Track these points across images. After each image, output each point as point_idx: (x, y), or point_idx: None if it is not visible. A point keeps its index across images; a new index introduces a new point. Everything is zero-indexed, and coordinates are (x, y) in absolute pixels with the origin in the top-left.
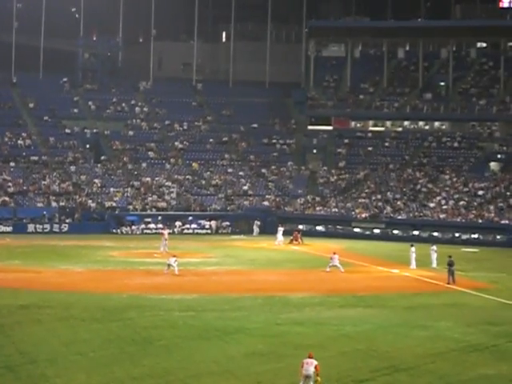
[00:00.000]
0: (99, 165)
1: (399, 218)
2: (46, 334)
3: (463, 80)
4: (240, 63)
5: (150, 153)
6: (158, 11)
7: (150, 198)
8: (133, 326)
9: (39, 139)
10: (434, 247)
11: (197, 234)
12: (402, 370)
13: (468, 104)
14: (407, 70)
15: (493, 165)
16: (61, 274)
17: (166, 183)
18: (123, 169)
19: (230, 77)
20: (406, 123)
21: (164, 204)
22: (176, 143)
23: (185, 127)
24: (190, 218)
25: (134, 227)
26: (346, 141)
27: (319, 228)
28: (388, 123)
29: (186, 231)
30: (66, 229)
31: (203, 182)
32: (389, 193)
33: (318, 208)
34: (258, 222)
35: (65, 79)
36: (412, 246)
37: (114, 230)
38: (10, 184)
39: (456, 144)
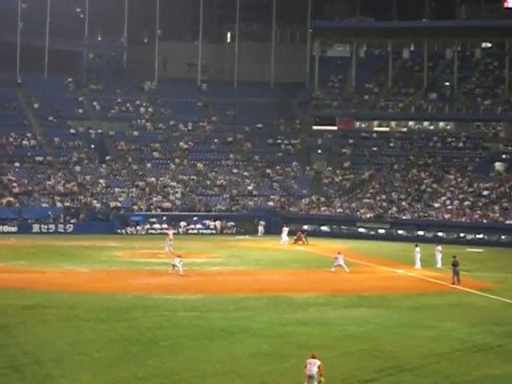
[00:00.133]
0: (104, 165)
1: (404, 218)
2: (51, 334)
3: (468, 80)
4: (245, 63)
5: (154, 153)
6: (163, 11)
7: (154, 199)
8: (138, 326)
9: (44, 139)
10: (439, 247)
11: (201, 234)
12: (406, 370)
13: (473, 104)
14: (412, 70)
15: (498, 165)
16: (66, 274)
17: (171, 183)
18: (128, 169)
19: (235, 77)
20: (410, 123)
21: (169, 204)
22: (181, 143)
23: (189, 127)
24: (195, 218)
25: (138, 227)
26: (351, 141)
27: (324, 228)
28: (393, 123)
29: (190, 231)
30: (70, 229)
31: (208, 182)
32: (393, 193)
33: (322, 208)
34: (263, 222)
35: (69, 79)
36: (417, 246)
37: (119, 231)
38: (14, 184)
39: (461, 144)
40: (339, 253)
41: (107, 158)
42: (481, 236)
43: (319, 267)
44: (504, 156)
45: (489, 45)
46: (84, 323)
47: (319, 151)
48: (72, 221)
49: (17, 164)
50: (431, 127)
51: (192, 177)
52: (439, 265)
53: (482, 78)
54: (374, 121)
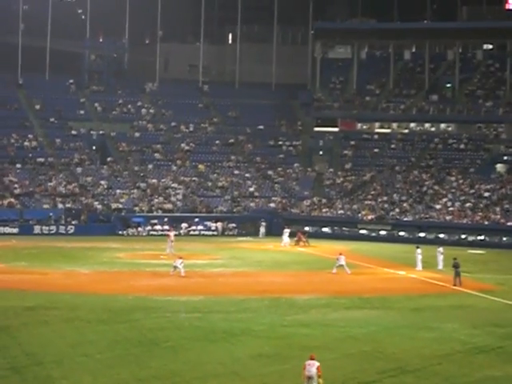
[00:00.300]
0: (105, 166)
1: (405, 219)
2: (53, 335)
3: (469, 82)
4: (246, 65)
5: (156, 154)
6: (164, 13)
7: (156, 200)
8: (139, 327)
9: (45, 141)
10: (441, 249)
11: (203, 235)
12: (408, 371)
13: (474, 106)
14: (413, 72)
15: (499, 166)
16: (67, 275)
17: (172, 185)
18: (129, 170)
19: (237, 78)
20: (412, 125)
21: (170, 205)
22: (182, 145)
23: (191, 129)
24: (196, 219)
25: (140, 229)
26: (352, 142)
27: (325, 230)
28: (394, 125)
29: (192, 233)
30: (72, 230)
31: (209, 183)
32: (395, 194)
33: (324, 210)
34: (264, 224)
35: (71, 81)
36: (418, 247)
37: (120, 232)
38: (16, 185)
39: (462, 146)
40: (341, 253)
41: (108, 159)
42: (482, 237)
43: (321, 269)
44: (505, 157)
45: (490, 46)
46: (85, 324)
47: (321, 153)
48: (73, 222)
49: (18, 165)
50: (432, 129)
51: (193, 178)
52: (440, 266)
53: (484, 80)
54: (376, 122)
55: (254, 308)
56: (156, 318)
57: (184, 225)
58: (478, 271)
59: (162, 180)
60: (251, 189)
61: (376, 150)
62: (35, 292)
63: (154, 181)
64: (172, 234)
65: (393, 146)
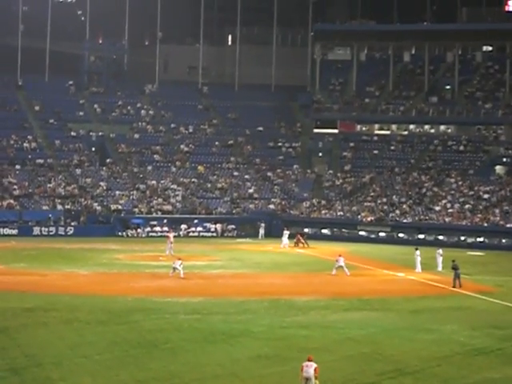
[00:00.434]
0: (105, 168)
1: (405, 221)
2: (52, 336)
3: (469, 83)
4: (246, 66)
5: (155, 156)
6: (164, 14)
7: (155, 201)
8: (138, 329)
9: (45, 142)
10: (440, 251)
11: (202, 237)
12: (407, 373)
13: (474, 107)
14: (413, 74)
15: (498, 168)
16: (66, 276)
17: (172, 186)
18: (129, 172)
19: (236, 80)
20: (411, 127)
21: (169, 207)
22: (182, 146)
23: (190, 130)
24: (196, 221)
25: (139, 230)
26: (352, 144)
27: (325, 231)
28: (394, 127)
29: (191, 234)
30: (71, 232)
31: (209, 185)
32: (394, 196)
33: (323, 211)
34: (264, 225)
35: (70, 82)
36: (417, 249)
37: (120, 233)
38: (15, 187)
39: (462, 147)
40: (340, 255)
41: (108, 160)
42: (481, 239)
43: (320, 270)
44: (505, 159)
45: (490, 48)
46: (84, 326)
47: (320, 154)
48: (72, 223)
49: (17, 166)
50: (432, 130)
51: (193, 179)
52: (440, 268)
53: (483, 82)
54: (375, 124)
55: (254, 309)
56: (155, 319)
57: (183, 226)
58: (477, 273)
59: (162, 181)
60: (250, 190)
61: (375, 152)
62: (34, 293)
63: (154, 182)
64: (171, 235)
65: (392, 147)
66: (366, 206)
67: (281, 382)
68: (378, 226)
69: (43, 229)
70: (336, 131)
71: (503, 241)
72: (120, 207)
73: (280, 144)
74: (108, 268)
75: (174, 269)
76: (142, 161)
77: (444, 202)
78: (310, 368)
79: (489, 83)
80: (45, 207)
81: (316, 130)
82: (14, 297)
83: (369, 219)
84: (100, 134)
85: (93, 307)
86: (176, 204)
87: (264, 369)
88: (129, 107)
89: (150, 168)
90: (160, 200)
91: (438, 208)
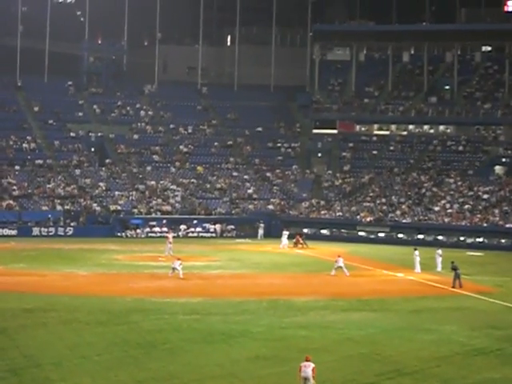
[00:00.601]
0: (104, 168)
1: (404, 221)
2: (51, 337)
3: (468, 84)
4: (245, 67)
5: (154, 156)
6: (163, 15)
7: (154, 202)
8: (137, 329)
9: (44, 143)
10: (440, 251)
11: (201, 237)
12: (406, 373)
13: (473, 108)
14: (412, 74)
15: (497, 168)
16: (65, 277)
17: (171, 187)
18: (128, 172)
19: (235, 80)
20: (410, 127)
21: (169, 207)
22: (181, 147)
23: (190, 131)
24: (195, 221)
25: (138, 231)
26: (351, 144)
27: (324, 232)
28: (393, 127)
29: (190, 235)
30: (70, 232)
31: (208, 185)
32: (393, 196)
33: (322, 212)
34: (263, 226)
35: (70, 83)
36: (415, 249)
37: (119, 234)
38: (14, 187)
39: (461, 148)
40: (339, 256)
41: (107, 161)
42: (481, 240)
43: (319, 271)
44: (504, 160)
45: (489, 48)
46: (84, 326)
47: (319, 155)
48: (72, 224)
49: (17, 167)
50: (431, 131)
51: (192, 180)
52: (439, 268)
53: (482, 82)
54: (374, 124)
55: (253, 310)
56: (154, 319)
57: (183, 226)
58: (476, 273)
59: (161, 182)
60: (250, 191)
61: (375, 152)
62: (34, 294)
63: (153, 183)
64: (170, 235)
65: (391, 147)
66: (365, 207)
67: (280, 383)
68: (378, 226)
69: (42, 229)
70: (335, 131)
71: (502, 241)
72: (119, 208)
73: (279, 144)
74: (107, 268)
75: (174, 269)
76: (141, 161)
77: (443, 202)
78: (308, 368)
79: (488, 83)
80: (44, 208)
81: (315, 131)
82: (13, 297)
83: (368, 219)
84: (99, 134)
85: (92, 308)
86: (175, 204)
87: (263, 369)
88: (128, 108)
89: (149, 168)
90: (159, 200)
91: (437, 208)
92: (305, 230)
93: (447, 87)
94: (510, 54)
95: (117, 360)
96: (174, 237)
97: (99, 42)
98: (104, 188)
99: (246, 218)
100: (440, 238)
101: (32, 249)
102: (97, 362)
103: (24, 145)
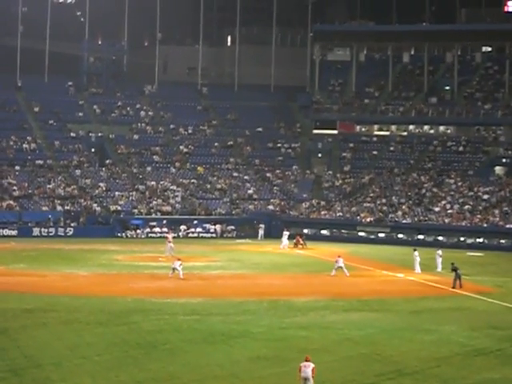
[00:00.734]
0: (104, 168)
1: (404, 222)
2: (51, 337)
3: (468, 84)
4: (245, 67)
5: (154, 157)
6: (163, 15)
7: (154, 202)
8: (137, 329)
9: (44, 143)
10: (440, 251)
11: (202, 237)
12: (406, 374)
13: (473, 108)
14: (412, 74)
15: (498, 169)
16: (66, 277)
17: (171, 187)
18: (128, 172)
19: (235, 81)
20: (411, 127)
21: (169, 208)
22: (181, 147)
23: (190, 131)
24: (195, 221)
25: (138, 231)
26: (351, 145)
27: (324, 232)
28: (393, 127)
29: (190, 235)
30: (70, 232)
31: (208, 185)
32: (394, 197)
33: (322, 212)
34: (263, 226)
35: (70, 83)
36: (415, 250)
37: (119, 234)
38: (15, 188)
39: (461, 148)
40: (339, 256)
41: (107, 161)
42: (481, 240)
43: (319, 271)
44: (504, 160)
45: (489, 49)
46: (84, 327)
47: (319, 155)
48: (72, 224)
49: (17, 167)
50: (431, 131)
51: (192, 180)
52: (439, 269)
53: (483, 82)
54: (375, 125)
55: (253, 310)
56: (154, 320)
57: (183, 227)
58: (476, 273)
59: (161, 182)
60: (250, 191)
61: (375, 153)
62: (34, 294)
63: (153, 183)
64: (170, 236)
65: (392, 148)
66: (365, 207)
67: (280, 383)
68: (378, 226)
69: (43, 230)
70: (335, 132)
71: (502, 241)
72: (119, 208)
73: (279, 145)
74: (107, 269)
75: (174, 269)
76: (141, 161)
77: (443, 202)
78: (308, 368)
79: (488, 84)
80: (44, 208)
81: (315, 131)
82: (13, 298)
83: (368, 220)
84: (99, 134)
85: (92, 308)
86: (175, 205)
87: (263, 370)
88: (128, 108)
89: (149, 169)
90: (159, 201)
91: (437, 209)
92: (305, 231)
93: (447, 88)
94: (510, 54)
95: (117, 360)
96: (174, 237)
97: (99, 42)
98: (104, 188)
99: (247, 218)
100: (440, 238)
101: (32, 249)
102: (97, 362)
103: (24, 145)
